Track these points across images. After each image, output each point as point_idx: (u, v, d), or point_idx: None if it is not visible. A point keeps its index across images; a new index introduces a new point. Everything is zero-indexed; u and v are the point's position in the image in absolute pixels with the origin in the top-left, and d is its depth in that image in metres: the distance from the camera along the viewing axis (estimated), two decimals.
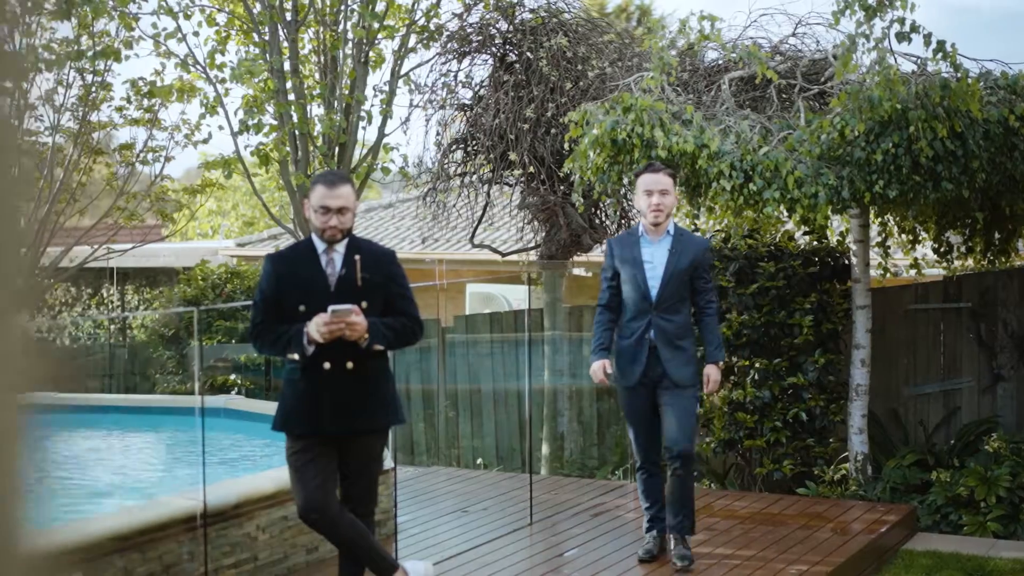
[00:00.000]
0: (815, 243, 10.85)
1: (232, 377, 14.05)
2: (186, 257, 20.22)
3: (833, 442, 10.55)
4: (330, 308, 5.84)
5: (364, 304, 6.02)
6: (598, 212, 12.08)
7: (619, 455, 12.10)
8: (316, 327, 5.88)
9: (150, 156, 14.79)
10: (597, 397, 13.00)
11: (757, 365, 10.55)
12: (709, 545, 8.16)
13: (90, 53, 12.77)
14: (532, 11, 12.00)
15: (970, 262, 11.32)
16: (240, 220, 35.77)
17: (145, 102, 14.13)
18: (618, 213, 12.15)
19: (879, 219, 10.98)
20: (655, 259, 7.35)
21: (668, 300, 7.33)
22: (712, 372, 7.52)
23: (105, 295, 21.70)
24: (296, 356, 6.04)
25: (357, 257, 6.10)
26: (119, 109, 14.39)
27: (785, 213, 9.79)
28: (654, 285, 7.34)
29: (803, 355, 10.48)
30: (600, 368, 7.43)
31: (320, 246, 6.12)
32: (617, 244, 7.52)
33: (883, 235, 11.13)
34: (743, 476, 11.01)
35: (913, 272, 11.35)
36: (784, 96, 10.18)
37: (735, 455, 11.00)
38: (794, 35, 10.76)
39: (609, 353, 7.51)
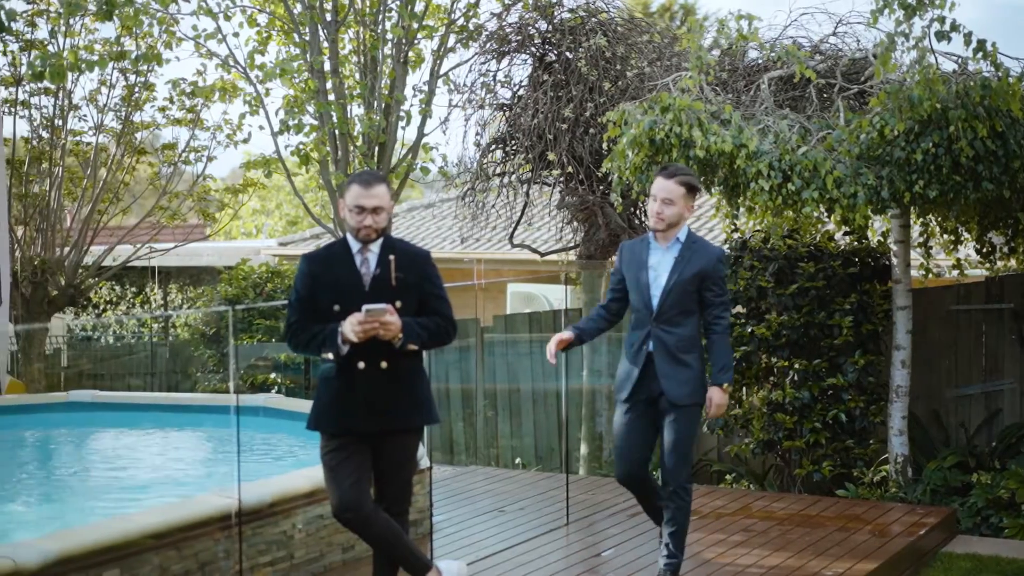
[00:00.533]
0: (855, 243, 10.78)
1: (272, 376, 14.11)
2: (229, 256, 20.33)
3: (873, 443, 10.48)
4: (364, 307, 5.85)
5: (398, 304, 6.03)
6: (637, 212, 12.05)
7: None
8: (351, 326, 5.89)
9: (192, 156, 14.92)
10: None
11: (796, 366, 10.50)
12: (746, 547, 8.13)
13: (133, 55, 12.88)
14: (571, 11, 11.99)
15: (1012, 263, 11.22)
16: (284, 219, 35.99)
17: (187, 102, 14.24)
18: None
19: (920, 219, 10.90)
20: (660, 267, 6.81)
21: (670, 311, 6.77)
22: (716, 395, 6.84)
23: (150, 294, 21.87)
24: (331, 356, 6.06)
25: (391, 257, 6.10)
26: (162, 109, 14.52)
27: (825, 213, 9.73)
28: (656, 294, 6.80)
29: (843, 356, 10.42)
30: (555, 340, 6.86)
31: (355, 246, 6.12)
32: (627, 248, 7.00)
33: (925, 236, 11.05)
34: (783, 477, 10.96)
35: (956, 273, 11.26)
36: (824, 96, 10.13)
37: (774, 456, 10.95)
38: (835, 34, 10.71)
39: (580, 336, 6.96)
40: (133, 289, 21.85)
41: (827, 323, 10.40)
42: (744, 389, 11.00)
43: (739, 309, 10.93)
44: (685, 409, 6.78)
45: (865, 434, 10.50)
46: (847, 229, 10.76)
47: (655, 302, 6.79)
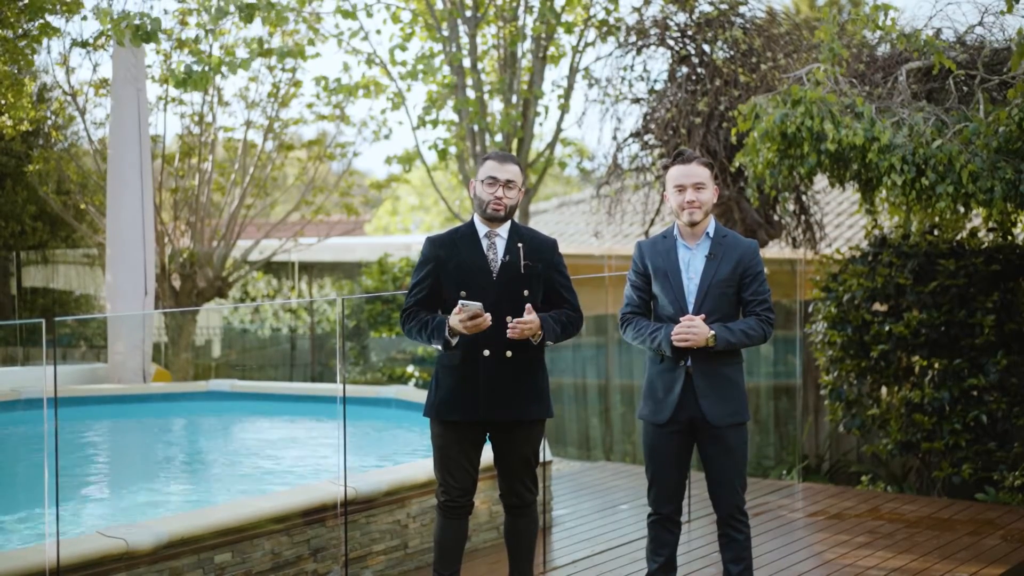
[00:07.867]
0: (999, 240, 10.46)
1: (409, 369, 14.24)
2: (382, 251, 20.59)
3: (1016, 446, 10.15)
4: (460, 301, 5.82)
5: (526, 292, 5.99)
6: (776, 208, 11.86)
7: (794, 455, 11.89)
8: (458, 320, 5.82)
9: (338, 151, 15.15)
10: (774, 395, 12.79)
11: (936, 365, 10.23)
12: (870, 548, 7.96)
13: (277, 52, 13.14)
14: (711, 3, 11.85)
15: None
16: (441, 216, 36.30)
17: (333, 98, 14.46)
18: (797, 210, 11.93)
19: None
20: (692, 267, 6.08)
21: (708, 317, 5.98)
22: (701, 324, 5.94)
23: (305, 287, 22.27)
24: (439, 346, 6.03)
25: (520, 244, 6.07)
26: (309, 106, 14.77)
27: (960, 208, 9.45)
28: (691, 300, 6.04)
29: (985, 356, 10.11)
30: (686, 320, 5.97)
31: (482, 229, 6.07)
32: (649, 249, 6.21)
33: None
34: (922, 480, 10.69)
35: None
36: (965, 88, 9.83)
37: (914, 457, 10.68)
38: (980, 24, 10.38)
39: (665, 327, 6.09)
40: (289, 283, 22.27)
41: (968, 322, 10.11)
42: (883, 388, 10.76)
43: (878, 307, 10.71)
44: (732, 429, 6.09)
45: (1008, 437, 10.18)
46: (992, 225, 10.45)
47: (691, 309, 6.04)
